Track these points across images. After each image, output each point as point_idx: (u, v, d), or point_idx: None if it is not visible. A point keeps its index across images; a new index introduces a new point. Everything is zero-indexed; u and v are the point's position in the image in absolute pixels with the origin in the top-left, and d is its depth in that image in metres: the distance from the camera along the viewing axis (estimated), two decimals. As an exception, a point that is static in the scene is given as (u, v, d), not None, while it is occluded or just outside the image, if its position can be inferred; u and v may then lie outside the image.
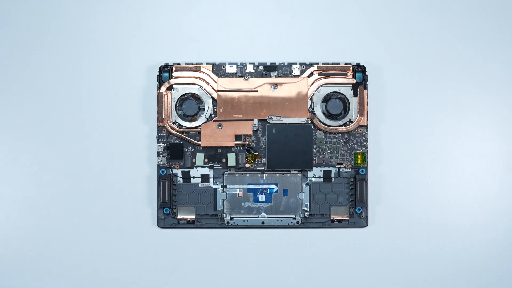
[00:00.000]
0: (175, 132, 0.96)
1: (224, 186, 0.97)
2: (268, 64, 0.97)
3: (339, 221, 0.97)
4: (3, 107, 0.97)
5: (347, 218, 0.97)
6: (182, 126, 0.96)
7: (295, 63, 0.96)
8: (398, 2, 0.99)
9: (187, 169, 0.97)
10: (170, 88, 0.96)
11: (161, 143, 0.96)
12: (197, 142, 0.96)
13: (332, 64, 0.96)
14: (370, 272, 0.97)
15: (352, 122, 0.96)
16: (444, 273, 0.97)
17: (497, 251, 0.98)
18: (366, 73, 0.96)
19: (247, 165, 0.96)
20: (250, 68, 0.96)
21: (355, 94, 0.96)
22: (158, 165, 0.96)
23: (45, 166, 0.97)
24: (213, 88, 0.96)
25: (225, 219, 0.96)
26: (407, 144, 0.98)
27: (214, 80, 0.96)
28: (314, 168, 0.97)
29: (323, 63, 0.96)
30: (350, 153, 0.97)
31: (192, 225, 0.97)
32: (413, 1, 0.99)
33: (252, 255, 0.97)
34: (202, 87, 0.96)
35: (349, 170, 0.97)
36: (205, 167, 0.97)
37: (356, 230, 0.97)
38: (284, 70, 0.97)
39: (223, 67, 0.96)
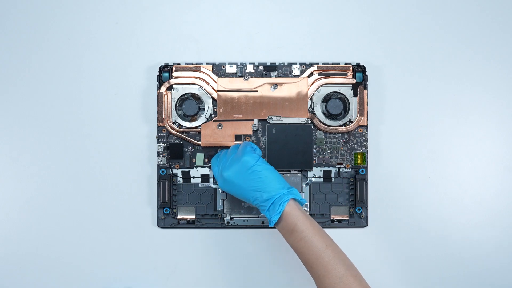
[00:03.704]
0: (175, 132, 0.96)
1: (224, 186, 0.97)
2: (268, 64, 0.97)
3: (339, 221, 0.97)
4: (3, 107, 0.97)
5: (347, 218, 0.97)
6: (182, 126, 0.96)
7: (295, 63, 0.96)
8: (398, 2, 0.99)
9: (187, 169, 0.97)
10: (170, 88, 0.96)
11: (161, 143, 0.96)
12: (197, 142, 0.96)
13: (332, 64, 0.96)
14: (370, 272, 0.97)
15: (352, 122, 0.96)
16: (444, 273, 0.97)
17: (497, 250, 0.98)
18: (366, 73, 0.96)
19: (247, 165, 0.96)
20: (250, 68, 0.96)
21: (355, 94, 0.96)
22: (158, 165, 0.96)
23: (45, 166, 0.97)
24: (213, 88, 0.96)
25: (225, 219, 0.96)
26: (407, 144, 0.98)
27: (214, 80, 0.96)
28: (314, 168, 0.97)
29: (323, 63, 0.96)
30: (350, 153, 0.97)
31: (192, 225, 0.97)
32: (412, 2, 0.99)
33: (252, 255, 0.97)
34: (202, 87, 0.96)
35: (349, 170, 0.97)
36: (205, 167, 0.97)
37: (356, 230, 0.97)
38: (284, 70, 0.97)
39: (223, 67, 0.96)
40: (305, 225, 0.82)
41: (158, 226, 0.97)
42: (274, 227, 0.86)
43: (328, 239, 0.83)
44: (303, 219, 0.83)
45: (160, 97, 0.95)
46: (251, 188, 0.84)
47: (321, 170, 0.97)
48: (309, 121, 0.96)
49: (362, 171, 0.97)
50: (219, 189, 0.96)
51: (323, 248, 0.81)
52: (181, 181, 0.97)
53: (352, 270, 0.82)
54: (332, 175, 0.97)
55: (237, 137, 0.96)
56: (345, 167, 0.97)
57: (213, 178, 0.97)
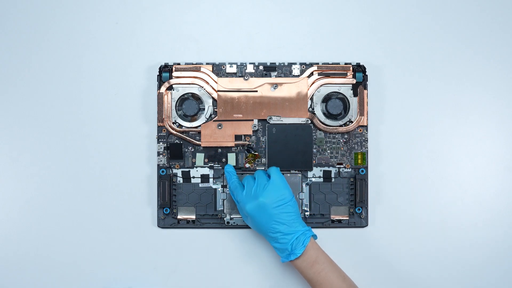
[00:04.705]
0: (175, 132, 0.96)
1: (224, 186, 0.97)
2: (268, 64, 0.97)
3: (339, 221, 0.97)
4: (3, 107, 0.97)
5: (347, 218, 0.97)
6: (182, 126, 0.96)
7: (295, 63, 0.96)
8: (398, 2, 0.99)
9: (187, 169, 0.97)
10: (170, 88, 0.96)
11: (161, 143, 0.96)
12: (197, 142, 0.96)
13: (332, 64, 0.96)
14: (370, 272, 0.97)
15: (352, 122, 0.96)
16: (444, 273, 0.97)
17: (497, 251, 0.98)
18: (366, 73, 0.96)
19: (247, 165, 0.96)
20: (250, 68, 0.96)
21: (355, 94, 0.96)
22: (158, 165, 0.96)
23: (46, 166, 0.97)
24: (213, 88, 0.96)
25: (225, 219, 0.96)
26: (407, 144, 0.98)
27: (214, 80, 0.96)
28: (314, 168, 0.97)
29: (323, 63, 0.96)
30: (350, 153, 0.97)
31: (192, 225, 0.97)
32: (412, 2, 0.99)
33: (252, 255, 0.97)
34: (202, 87, 0.96)
35: (349, 170, 0.97)
36: (205, 167, 0.97)
37: (356, 230, 0.97)
38: (284, 70, 0.97)
39: (223, 67, 0.96)
40: (325, 258, 0.89)
41: (158, 226, 0.97)
42: (288, 261, 0.90)
43: (342, 270, 0.90)
44: (322, 253, 0.89)
45: (160, 97, 0.95)
46: (279, 219, 0.88)
47: (321, 170, 0.97)
48: (309, 121, 0.96)
49: (362, 171, 0.96)
50: (219, 190, 0.96)
51: (342, 278, 0.88)
52: (181, 181, 0.97)
53: None
54: (332, 175, 0.97)
55: (237, 137, 0.96)
56: (345, 167, 0.97)
57: (213, 178, 0.97)
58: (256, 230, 0.91)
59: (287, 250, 0.88)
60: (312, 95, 0.96)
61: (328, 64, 0.96)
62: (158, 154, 0.96)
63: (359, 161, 0.97)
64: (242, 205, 0.90)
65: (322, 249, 0.89)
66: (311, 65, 0.96)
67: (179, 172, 0.97)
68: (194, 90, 0.96)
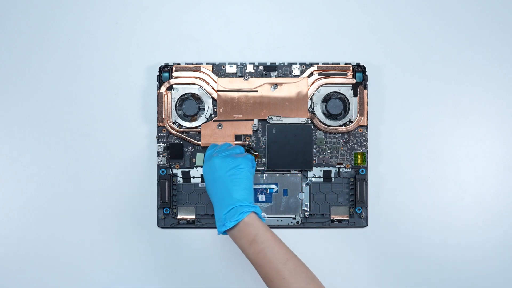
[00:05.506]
0: (175, 132, 0.96)
1: (224, 186, 0.97)
2: (268, 64, 0.97)
3: (339, 221, 0.97)
4: (3, 107, 0.97)
5: (347, 218, 0.97)
6: (182, 126, 0.96)
7: (295, 63, 0.96)
8: (398, 2, 0.99)
9: (187, 169, 0.97)
10: (170, 88, 0.96)
11: (161, 143, 0.96)
12: (197, 142, 0.96)
13: (332, 64, 0.96)
14: (370, 272, 0.97)
15: (352, 122, 0.96)
16: (444, 273, 0.97)
17: (497, 251, 0.98)
18: (366, 73, 0.96)
19: (247, 165, 0.96)
20: (250, 68, 0.96)
21: (355, 94, 0.96)
22: (158, 165, 0.96)
23: (45, 166, 0.97)
24: (213, 88, 0.96)
25: (225, 219, 0.96)
26: (407, 144, 0.98)
27: (214, 80, 0.96)
28: (314, 168, 0.97)
29: (323, 63, 0.96)
30: (350, 153, 0.97)
31: (192, 225, 0.97)
32: (412, 2, 0.99)
33: (252, 255, 0.97)
34: (202, 87, 0.96)
35: (349, 170, 0.97)
36: (205, 167, 0.97)
37: (356, 230, 0.97)
38: (284, 70, 0.97)
39: (223, 67, 0.96)
40: (266, 237, 0.80)
41: (158, 226, 0.97)
42: (224, 234, 0.83)
43: (289, 251, 0.81)
44: (264, 231, 0.81)
45: (160, 97, 0.95)
46: (223, 184, 0.83)
47: (321, 170, 0.97)
48: (309, 121, 0.96)
49: (362, 171, 0.96)
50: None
51: (283, 260, 0.79)
52: (181, 181, 0.97)
53: (314, 283, 0.79)
54: (332, 175, 0.97)
55: (237, 137, 0.96)
56: (345, 167, 0.97)
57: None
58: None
59: (221, 219, 0.82)
60: (312, 95, 0.96)
61: (328, 64, 0.96)
62: (158, 154, 0.96)
63: (359, 161, 0.97)
64: (203, 169, 0.88)
65: (265, 226, 0.81)
66: (311, 65, 0.96)
67: (179, 172, 0.97)
68: (194, 90, 0.96)
